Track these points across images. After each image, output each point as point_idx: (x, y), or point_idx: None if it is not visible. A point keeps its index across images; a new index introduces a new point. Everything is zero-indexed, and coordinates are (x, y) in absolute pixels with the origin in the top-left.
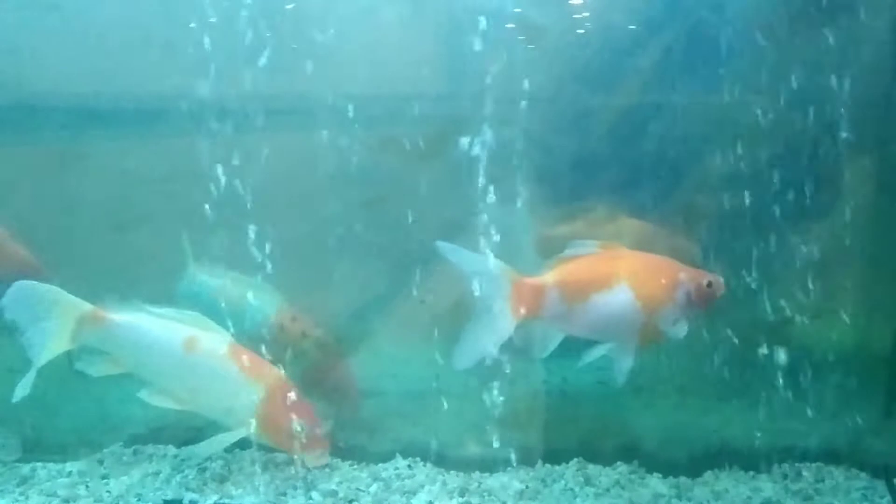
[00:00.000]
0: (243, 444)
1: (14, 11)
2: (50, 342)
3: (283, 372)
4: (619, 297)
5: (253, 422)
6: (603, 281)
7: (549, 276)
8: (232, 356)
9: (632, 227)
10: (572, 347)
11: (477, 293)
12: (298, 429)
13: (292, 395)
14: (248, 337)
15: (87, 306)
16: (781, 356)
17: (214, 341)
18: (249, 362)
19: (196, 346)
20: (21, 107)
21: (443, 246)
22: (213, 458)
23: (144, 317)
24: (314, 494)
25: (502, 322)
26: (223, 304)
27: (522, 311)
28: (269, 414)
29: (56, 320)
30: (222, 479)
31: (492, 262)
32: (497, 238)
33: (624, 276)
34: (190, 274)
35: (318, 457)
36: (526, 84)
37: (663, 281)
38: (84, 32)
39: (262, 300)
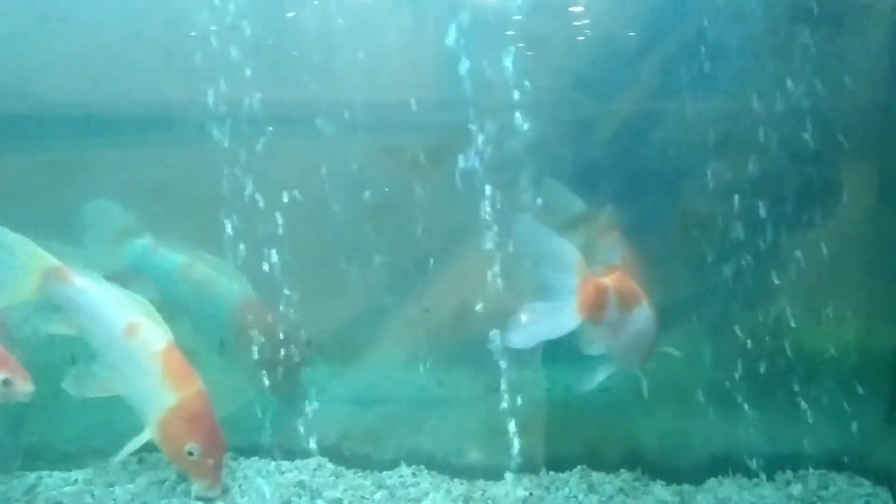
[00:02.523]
0: (247, 451)
1: (22, 23)
2: (13, 288)
3: (204, 388)
4: (649, 313)
5: (155, 427)
6: (640, 295)
7: (609, 280)
8: (162, 355)
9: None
10: (576, 354)
11: (544, 276)
12: (191, 453)
13: (203, 415)
14: (207, 318)
15: (54, 261)
16: (784, 363)
17: (153, 335)
18: (175, 367)
19: (135, 333)
20: (28, 116)
21: (523, 219)
22: None
23: (102, 288)
24: (319, 503)
25: (568, 316)
26: (186, 282)
27: (587, 309)
28: (171, 426)
29: (22, 268)
30: (227, 488)
31: (570, 249)
32: (499, 245)
33: (644, 293)
34: (145, 245)
35: (205, 487)
36: (527, 92)
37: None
38: (90, 43)
39: (228, 283)
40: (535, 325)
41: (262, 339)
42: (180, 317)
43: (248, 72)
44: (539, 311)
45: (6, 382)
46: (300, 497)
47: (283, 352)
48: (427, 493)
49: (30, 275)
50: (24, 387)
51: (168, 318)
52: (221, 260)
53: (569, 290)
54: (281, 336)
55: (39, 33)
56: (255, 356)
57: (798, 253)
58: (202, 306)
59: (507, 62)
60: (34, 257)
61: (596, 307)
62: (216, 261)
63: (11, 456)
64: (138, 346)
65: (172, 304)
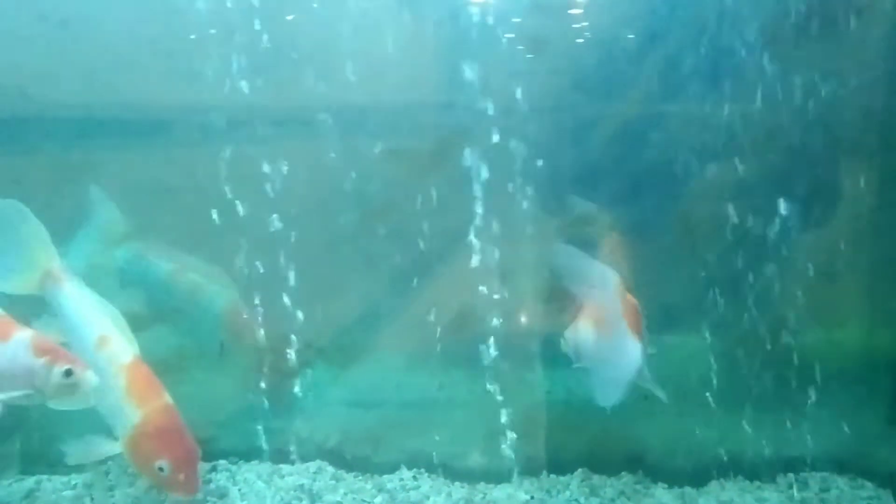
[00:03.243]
0: (247, 455)
1: (24, 27)
2: (16, 277)
3: (169, 402)
4: None
5: (123, 444)
6: None
7: (632, 298)
8: (126, 370)
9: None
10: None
11: (593, 304)
12: (161, 469)
13: (169, 430)
14: (197, 324)
15: (59, 262)
16: (786, 365)
17: (120, 349)
18: (139, 382)
19: (104, 346)
20: (30, 119)
21: (560, 247)
22: (219, 469)
23: (85, 296)
24: None
25: (633, 346)
26: (173, 290)
27: (636, 332)
28: (137, 443)
29: (30, 260)
30: (226, 491)
31: (610, 274)
32: (500, 247)
33: None
34: (133, 252)
35: (180, 498)
36: (527, 94)
37: None
38: (92, 46)
39: (217, 289)
40: (616, 374)
41: (252, 343)
42: (169, 323)
43: (248, 74)
44: (603, 354)
45: (68, 373)
46: (300, 501)
47: (272, 355)
48: (428, 497)
49: (35, 269)
50: (85, 378)
51: (157, 325)
52: (210, 265)
53: (617, 316)
54: (270, 340)
55: (39, 35)
56: (248, 360)
57: (800, 254)
58: (191, 312)
59: (508, 63)
60: (45, 253)
61: (639, 327)
62: (206, 266)
63: (5, 461)
64: (106, 360)
65: (162, 311)
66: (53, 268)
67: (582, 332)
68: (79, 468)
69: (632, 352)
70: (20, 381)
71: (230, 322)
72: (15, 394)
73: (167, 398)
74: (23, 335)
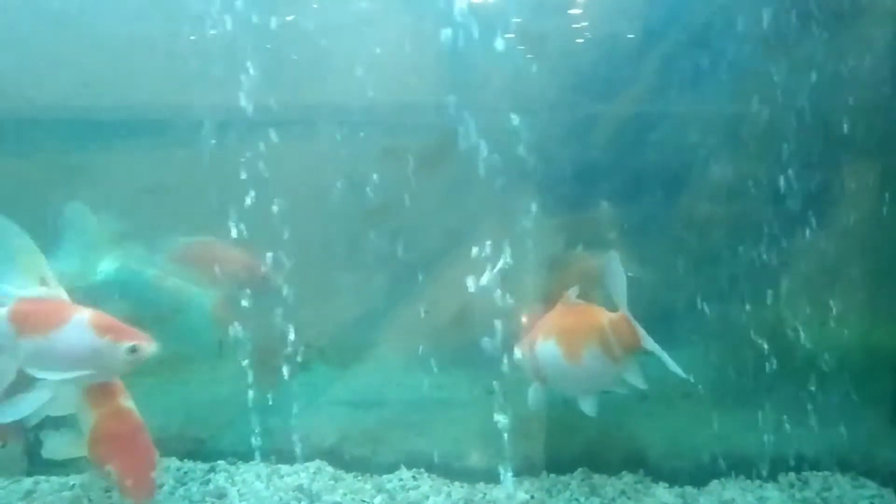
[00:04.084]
0: (246, 456)
1: (20, 25)
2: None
3: (122, 405)
4: None
5: (85, 446)
6: None
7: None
8: None
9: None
10: None
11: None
12: (108, 473)
13: (117, 435)
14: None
15: (48, 270)
16: (788, 364)
17: None
18: (93, 385)
19: None
20: (26, 119)
21: (611, 255)
22: (217, 470)
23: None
24: None
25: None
26: (159, 295)
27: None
28: (90, 446)
29: (27, 270)
30: (225, 492)
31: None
32: (500, 247)
33: None
34: (116, 261)
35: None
36: (526, 93)
37: None
38: (88, 45)
39: (198, 292)
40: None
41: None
42: (162, 327)
43: (247, 74)
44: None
45: (133, 350)
46: (300, 501)
47: (271, 355)
48: (427, 497)
49: (32, 277)
50: (149, 349)
51: (150, 330)
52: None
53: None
54: (269, 339)
55: (35, 35)
56: (246, 360)
57: (801, 254)
58: (182, 315)
59: (507, 63)
60: (37, 261)
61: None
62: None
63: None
64: None
65: (154, 316)
66: (45, 275)
67: (541, 348)
68: (77, 469)
69: None
70: (84, 362)
71: (222, 319)
72: (78, 374)
73: (121, 401)
74: (81, 316)
